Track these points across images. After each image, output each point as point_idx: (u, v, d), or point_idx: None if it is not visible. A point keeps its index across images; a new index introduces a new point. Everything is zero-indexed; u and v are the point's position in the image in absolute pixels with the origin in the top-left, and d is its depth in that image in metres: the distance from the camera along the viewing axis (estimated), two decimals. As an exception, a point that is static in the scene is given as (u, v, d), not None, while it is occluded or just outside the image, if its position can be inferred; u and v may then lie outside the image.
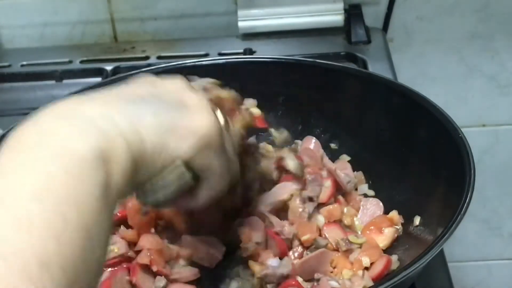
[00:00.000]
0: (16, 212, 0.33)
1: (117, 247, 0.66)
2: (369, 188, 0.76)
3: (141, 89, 0.48)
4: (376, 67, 1.01)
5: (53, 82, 1.04)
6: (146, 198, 0.50)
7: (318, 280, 0.64)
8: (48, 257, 0.32)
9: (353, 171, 0.77)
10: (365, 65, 1.02)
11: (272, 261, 0.64)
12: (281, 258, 0.65)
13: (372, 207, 0.73)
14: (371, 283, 0.62)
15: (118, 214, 0.67)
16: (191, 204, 0.55)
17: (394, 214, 0.71)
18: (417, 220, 0.68)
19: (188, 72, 0.83)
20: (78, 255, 0.34)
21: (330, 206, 0.71)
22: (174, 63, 0.86)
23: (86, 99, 0.43)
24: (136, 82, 0.50)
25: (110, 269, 0.65)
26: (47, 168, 0.35)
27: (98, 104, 0.43)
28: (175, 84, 0.51)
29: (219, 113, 0.53)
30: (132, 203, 0.66)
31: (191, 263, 0.66)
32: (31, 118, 0.40)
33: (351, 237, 0.68)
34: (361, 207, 0.73)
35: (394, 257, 0.67)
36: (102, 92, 0.46)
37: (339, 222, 0.71)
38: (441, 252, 0.73)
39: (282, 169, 0.72)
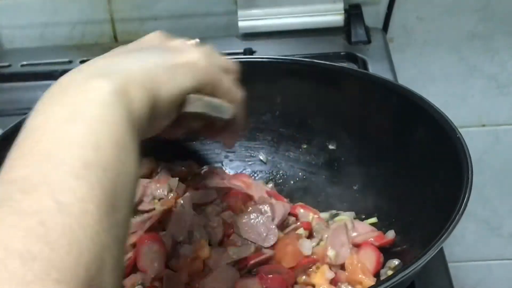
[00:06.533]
0: (56, 133, 0.39)
1: None
2: (366, 188, 0.77)
3: (133, 46, 0.54)
4: (376, 67, 1.01)
5: (53, 82, 1.04)
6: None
7: None
8: (89, 161, 0.37)
9: (351, 171, 0.78)
10: (365, 65, 1.02)
11: None
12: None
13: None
14: None
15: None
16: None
17: None
18: (415, 220, 0.68)
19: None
20: (115, 163, 0.39)
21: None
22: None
23: (97, 58, 0.48)
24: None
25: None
26: (77, 99, 0.41)
27: (106, 58, 0.49)
28: (155, 36, 0.56)
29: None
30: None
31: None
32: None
33: None
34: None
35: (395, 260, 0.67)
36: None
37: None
38: (441, 252, 0.73)
39: None
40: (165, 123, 0.50)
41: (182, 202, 0.73)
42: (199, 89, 0.52)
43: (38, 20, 1.15)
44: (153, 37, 0.56)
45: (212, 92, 0.54)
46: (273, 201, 0.74)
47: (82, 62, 1.09)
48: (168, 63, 0.50)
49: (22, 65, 1.09)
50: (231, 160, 0.86)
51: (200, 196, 0.75)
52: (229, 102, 0.56)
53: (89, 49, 1.13)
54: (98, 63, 0.47)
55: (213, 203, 0.74)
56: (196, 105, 0.52)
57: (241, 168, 0.85)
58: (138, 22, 1.16)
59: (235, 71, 0.60)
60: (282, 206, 0.73)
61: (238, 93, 0.58)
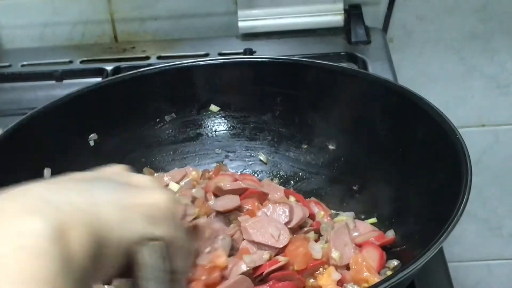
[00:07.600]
0: None
1: None
2: (366, 188, 0.77)
3: (87, 174, 0.48)
4: (376, 67, 1.01)
5: (53, 82, 1.04)
6: None
7: None
8: None
9: (351, 171, 0.78)
10: (365, 65, 1.02)
11: None
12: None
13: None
14: None
15: None
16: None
17: None
18: (414, 220, 0.68)
19: (187, 71, 0.85)
20: None
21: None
22: (174, 63, 0.86)
23: (38, 183, 0.41)
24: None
25: None
26: (4, 248, 0.34)
27: (50, 184, 0.42)
28: (117, 169, 0.51)
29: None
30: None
31: None
32: None
33: None
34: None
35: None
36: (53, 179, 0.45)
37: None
38: (441, 252, 0.73)
39: None
40: (112, 269, 0.42)
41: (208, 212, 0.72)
42: (154, 239, 0.44)
43: (38, 20, 1.15)
44: (115, 170, 0.50)
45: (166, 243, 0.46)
46: (293, 203, 0.73)
47: (82, 62, 1.09)
48: (123, 201, 0.43)
49: (22, 65, 1.09)
50: (231, 160, 0.86)
51: (223, 203, 0.72)
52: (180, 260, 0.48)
53: (89, 49, 1.13)
54: (37, 190, 0.39)
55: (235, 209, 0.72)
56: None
57: (241, 168, 0.85)
58: (138, 22, 1.16)
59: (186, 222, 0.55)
60: (301, 210, 0.71)
61: (190, 249, 0.51)
